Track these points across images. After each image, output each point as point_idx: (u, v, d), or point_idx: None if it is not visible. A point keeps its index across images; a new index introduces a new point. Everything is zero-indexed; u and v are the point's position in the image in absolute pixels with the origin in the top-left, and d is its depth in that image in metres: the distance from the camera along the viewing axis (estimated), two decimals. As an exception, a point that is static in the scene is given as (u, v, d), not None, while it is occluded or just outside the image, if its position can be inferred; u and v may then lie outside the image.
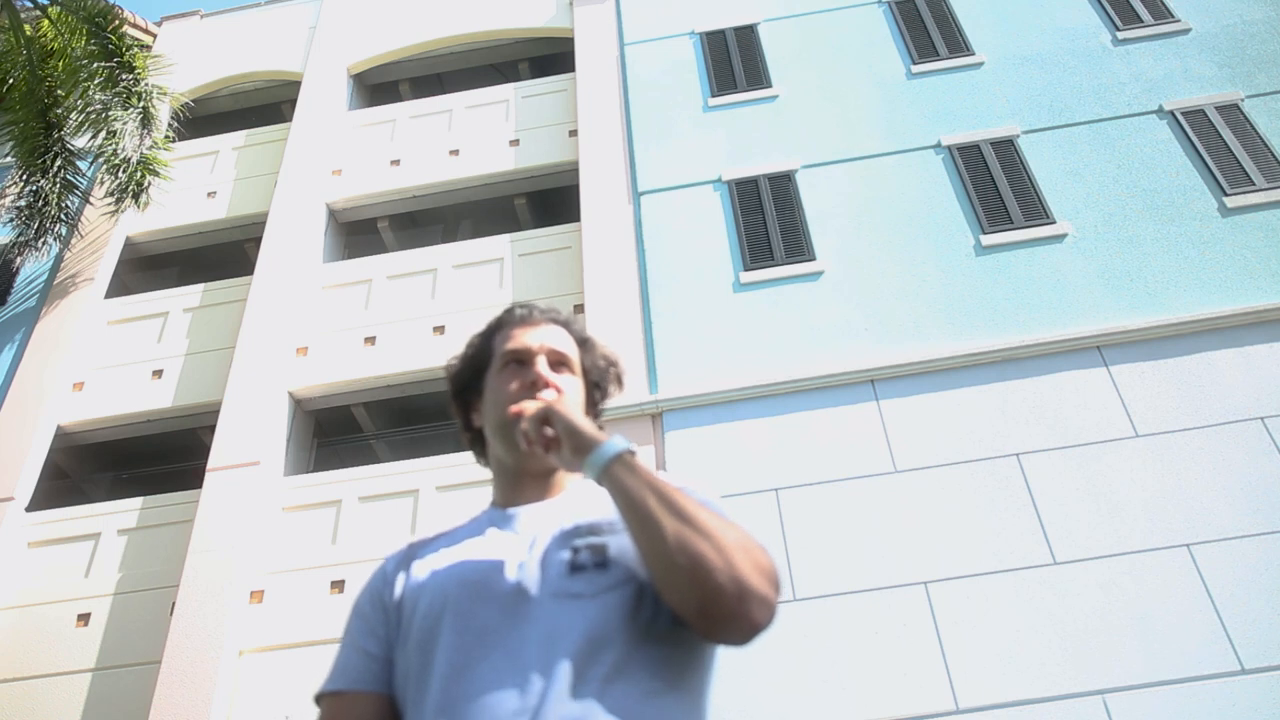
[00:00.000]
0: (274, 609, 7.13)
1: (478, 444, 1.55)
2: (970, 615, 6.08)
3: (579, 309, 8.32)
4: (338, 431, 9.27)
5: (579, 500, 1.41)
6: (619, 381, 1.59)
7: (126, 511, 8.01)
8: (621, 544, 1.29)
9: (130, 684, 6.90)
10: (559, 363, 1.48)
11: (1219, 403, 6.77)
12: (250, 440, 7.99)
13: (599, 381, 1.56)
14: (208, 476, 7.76)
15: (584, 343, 1.56)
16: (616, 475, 1.23)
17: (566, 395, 1.44)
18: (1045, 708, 5.65)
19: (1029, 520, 6.43)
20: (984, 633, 6.01)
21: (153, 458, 9.48)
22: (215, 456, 7.89)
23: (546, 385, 1.43)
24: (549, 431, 1.31)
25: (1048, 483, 6.58)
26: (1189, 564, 6.05)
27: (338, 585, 7.15)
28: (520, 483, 1.44)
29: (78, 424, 8.80)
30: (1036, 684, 5.75)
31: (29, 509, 8.13)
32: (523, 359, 1.46)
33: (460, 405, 1.55)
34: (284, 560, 7.40)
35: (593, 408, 1.56)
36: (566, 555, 1.28)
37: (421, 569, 1.35)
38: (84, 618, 7.36)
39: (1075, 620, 5.94)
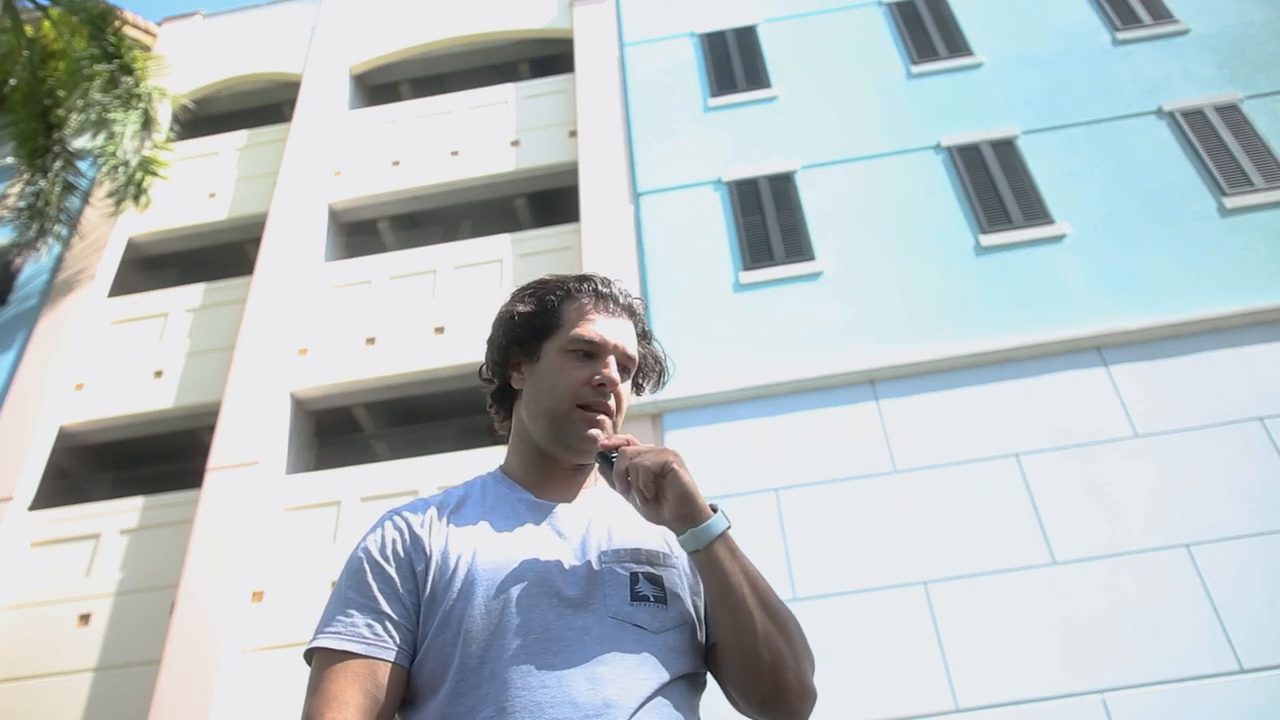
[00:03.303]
0: (274, 609, 7.13)
1: (501, 400, 1.49)
2: (970, 615, 6.08)
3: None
4: (338, 431, 9.27)
5: (610, 508, 1.41)
6: (660, 382, 1.58)
7: (127, 511, 8.02)
8: (673, 580, 1.33)
9: (130, 684, 6.90)
10: (623, 368, 1.45)
11: (1218, 403, 6.77)
12: (251, 440, 7.99)
13: (642, 382, 1.54)
14: (208, 476, 7.77)
15: (644, 336, 1.53)
16: (718, 555, 1.26)
17: (621, 407, 1.43)
18: (1045, 707, 5.66)
19: (1029, 520, 6.43)
20: (984, 633, 6.01)
21: (153, 458, 9.49)
22: (216, 456, 7.90)
23: (617, 395, 1.41)
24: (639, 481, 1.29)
25: (1047, 483, 6.59)
26: (1188, 564, 6.05)
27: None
28: (550, 471, 1.42)
29: (79, 424, 8.81)
30: (1036, 684, 5.75)
31: (30, 509, 8.13)
32: (594, 353, 1.42)
33: (500, 355, 1.47)
34: (284, 560, 7.41)
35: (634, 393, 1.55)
36: (625, 577, 1.29)
37: (460, 544, 1.29)
38: (85, 617, 7.37)
39: (1075, 620, 5.95)
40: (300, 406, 8.76)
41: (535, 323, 1.43)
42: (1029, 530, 6.38)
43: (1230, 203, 7.84)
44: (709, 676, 1.33)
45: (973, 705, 5.73)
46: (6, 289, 9.87)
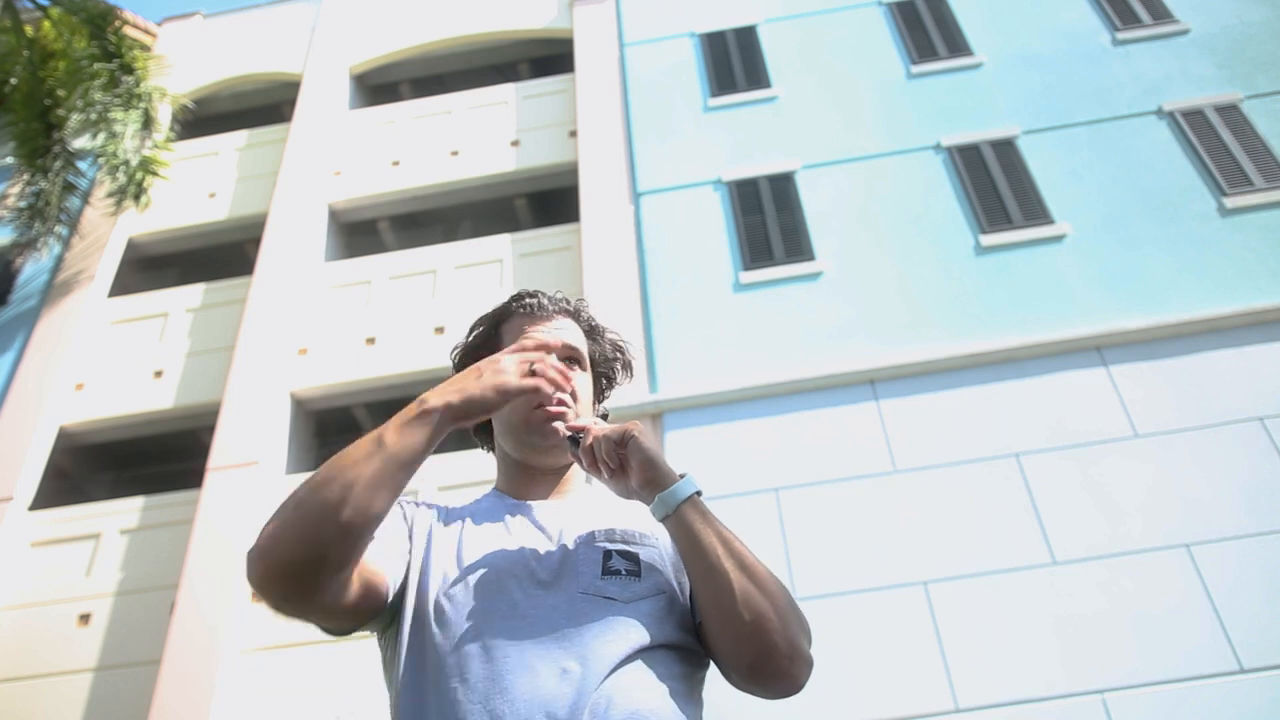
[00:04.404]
0: (274, 609, 7.12)
1: (483, 433, 1.55)
2: (970, 615, 6.08)
3: (579, 309, 8.33)
4: (338, 431, 9.27)
5: (593, 503, 1.43)
6: (628, 369, 1.59)
7: (127, 511, 8.02)
8: (651, 556, 1.32)
9: (130, 684, 6.90)
10: (570, 359, 1.47)
11: (1218, 403, 6.77)
12: (251, 440, 8.00)
13: (606, 372, 1.56)
14: (208, 476, 7.77)
15: (592, 331, 1.55)
16: (687, 518, 1.26)
17: (578, 395, 1.44)
18: (1044, 707, 5.66)
19: (1029, 520, 6.43)
20: (983, 633, 6.01)
21: (153, 458, 9.49)
22: (216, 456, 7.90)
23: (567, 388, 1.39)
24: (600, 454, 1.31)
25: (1047, 483, 6.59)
26: (1188, 564, 6.05)
27: (338, 585, 7.16)
28: (530, 478, 1.45)
29: (79, 424, 8.81)
30: (1036, 683, 5.75)
31: (30, 509, 8.14)
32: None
33: None
34: (284, 560, 7.40)
35: (599, 397, 1.56)
36: (598, 555, 1.29)
37: (444, 536, 1.33)
38: (85, 617, 7.37)
39: (1074, 620, 5.95)
40: (300, 406, 8.77)
41: (479, 355, 1.47)
42: (1029, 530, 6.38)
43: (1230, 203, 7.84)
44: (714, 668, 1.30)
45: (973, 705, 5.74)
46: (6, 289, 9.87)
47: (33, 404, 8.64)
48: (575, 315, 1.53)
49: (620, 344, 1.59)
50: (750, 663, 1.20)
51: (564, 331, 1.49)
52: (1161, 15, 9.52)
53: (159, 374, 8.98)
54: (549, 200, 10.60)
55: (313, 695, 6.63)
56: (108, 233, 10.14)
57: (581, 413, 1.44)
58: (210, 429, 8.36)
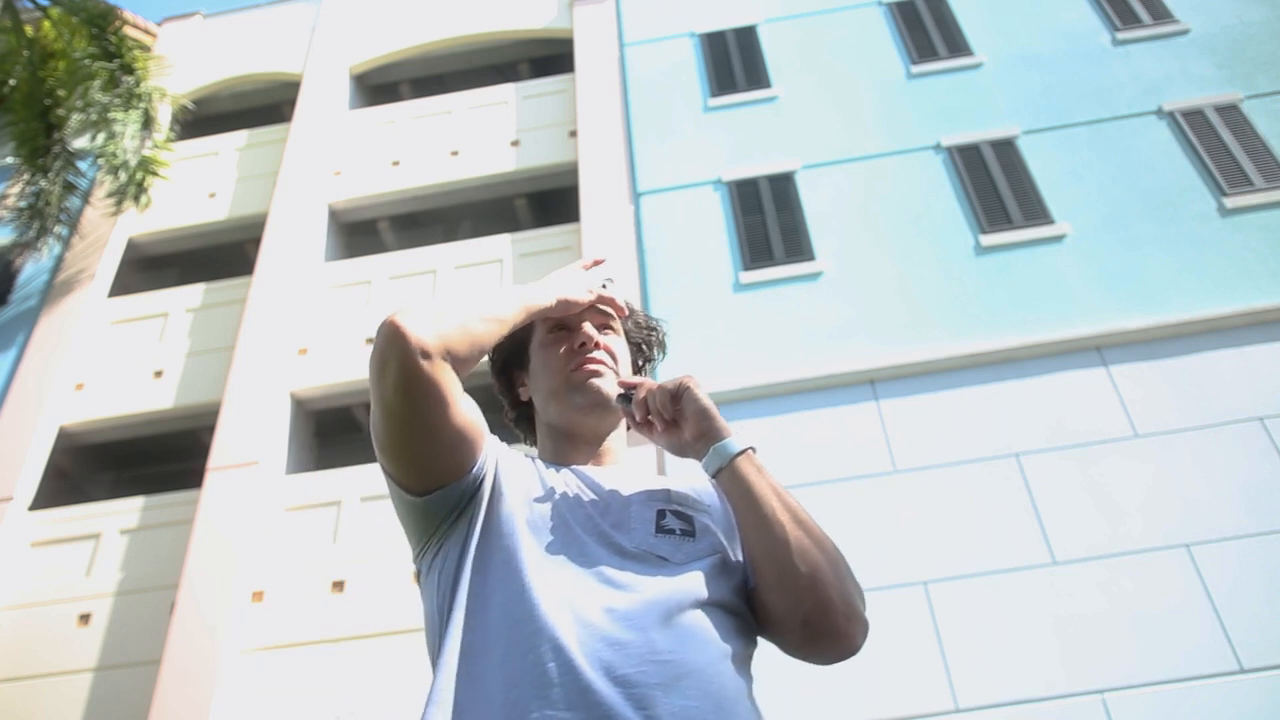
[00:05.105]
0: (274, 609, 7.13)
1: (523, 422, 1.54)
2: (970, 615, 6.08)
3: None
4: (338, 431, 9.28)
5: (639, 470, 1.41)
6: (662, 346, 1.61)
7: (127, 511, 8.02)
8: (705, 519, 1.30)
9: (130, 684, 6.90)
10: (603, 325, 1.48)
11: (1218, 403, 6.77)
12: (251, 440, 8.00)
13: (641, 344, 1.57)
14: (208, 476, 7.77)
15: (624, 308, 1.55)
16: (741, 470, 1.25)
17: (617, 356, 1.44)
18: (1044, 707, 5.66)
19: (1029, 520, 6.43)
20: (983, 633, 6.01)
21: (153, 458, 9.49)
22: (216, 456, 7.90)
23: (597, 345, 1.42)
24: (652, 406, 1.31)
25: (1047, 483, 6.59)
26: (1188, 564, 6.05)
27: (338, 585, 7.16)
28: (574, 446, 1.42)
29: (79, 424, 8.81)
30: (1036, 683, 5.75)
31: (30, 509, 8.14)
32: (568, 324, 1.45)
33: (504, 382, 1.53)
34: (284, 560, 7.41)
35: (636, 373, 1.56)
36: (650, 515, 1.27)
37: (518, 467, 1.33)
38: (85, 617, 7.37)
39: (1074, 620, 5.95)
40: (300, 406, 8.77)
41: (514, 336, 1.46)
42: (1029, 530, 6.38)
43: (1230, 203, 7.84)
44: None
45: (973, 705, 5.74)
46: (6, 289, 9.87)
47: (33, 404, 8.64)
48: (610, 305, 1.53)
49: (652, 322, 1.61)
50: (805, 618, 1.16)
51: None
52: (1161, 15, 9.52)
53: (159, 374, 8.98)
54: (549, 200, 10.61)
55: (313, 695, 6.63)
56: (108, 233, 10.14)
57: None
58: (210, 429, 8.36)
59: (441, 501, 1.25)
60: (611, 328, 1.49)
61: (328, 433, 9.23)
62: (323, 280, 9.43)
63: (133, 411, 8.80)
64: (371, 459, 8.77)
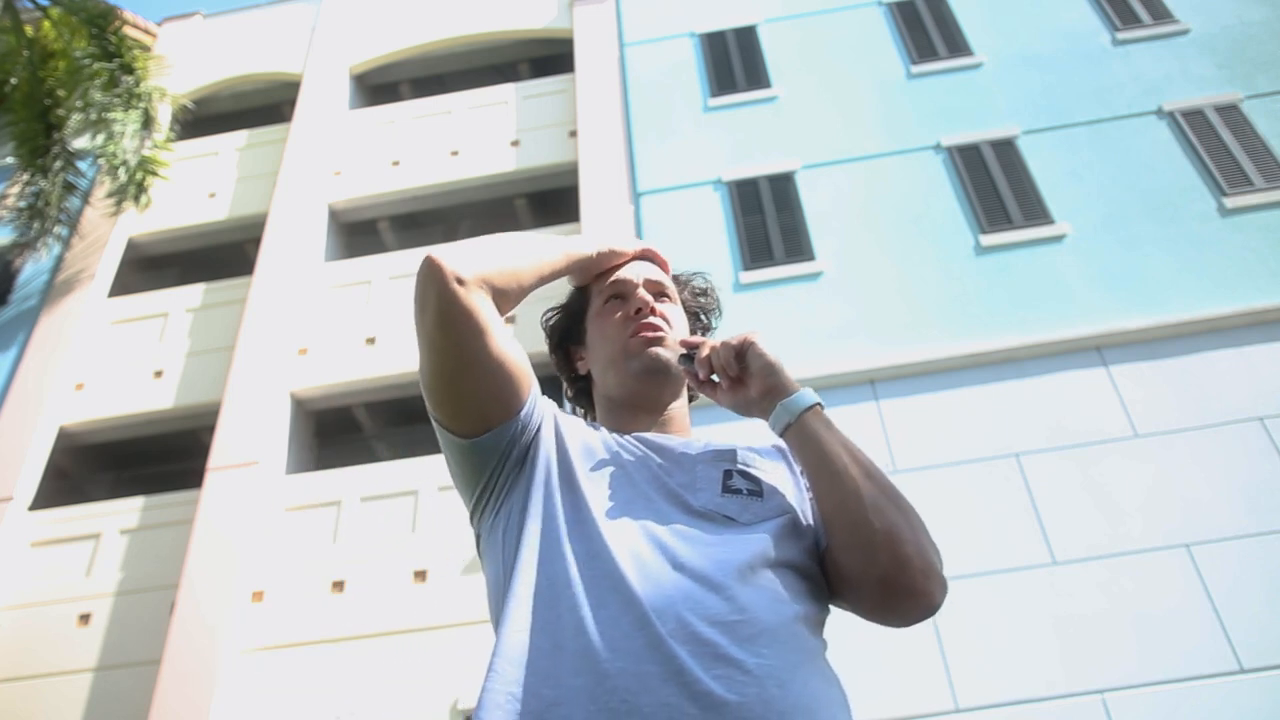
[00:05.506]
0: (274, 609, 7.13)
1: (583, 398, 1.51)
2: (970, 615, 6.08)
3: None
4: (338, 431, 9.28)
5: (699, 437, 1.39)
6: (718, 310, 1.58)
7: (127, 511, 8.02)
8: (772, 483, 1.26)
9: (130, 684, 6.90)
10: (659, 293, 1.46)
11: (1218, 403, 6.77)
12: (251, 440, 8.00)
13: (698, 313, 1.55)
14: (208, 476, 7.77)
15: (675, 278, 1.55)
16: (810, 426, 1.22)
17: (674, 324, 1.42)
18: (1044, 707, 5.66)
19: (1029, 520, 6.43)
20: (984, 633, 6.01)
21: (153, 458, 9.49)
22: (216, 456, 7.90)
23: (654, 312, 1.40)
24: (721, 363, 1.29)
25: (1047, 483, 6.59)
26: (1188, 564, 6.05)
27: (338, 585, 7.16)
28: (635, 415, 1.39)
29: (79, 424, 8.81)
30: (1036, 683, 5.75)
31: (30, 509, 8.14)
32: (623, 292, 1.43)
33: (562, 357, 1.52)
34: (284, 560, 7.41)
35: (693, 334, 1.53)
36: (717, 475, 1.25)
37: (576, 428, 1.31)
38: (85, 617, 7.37)
39: (1074, 620, 5.95)
40: (300, 406, 8.76)
41: (570, 310, 1.49)
42: (1029, 530, 6.38)
43: (1230, 203, 7.84)
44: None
45: (973, 705, 5.74)
46: (6, 289, 9.87)
47: (33, 404, 8.64)
48: (654, 259, 1.53)
49: (706, 287, 1.58)
50: (882, 576, 1.12)
51: (645, 269, 1.49)
52: (1161, 15, 9.52)
53: (159, 374, 8.98)
54: (549, 200, 10.60)
55: (313, 695, 6.63)
56: (108, 233, 10.14)
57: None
58: (210, 429, 8.36)
59: (493, 445, 1.23)
60: (668, 295, 1.47)
61: (328, 433, 9.23)
62: (323, 280, 9.43)
63: (133, 411, 8.80)
64: (371, 459, 8.80)
